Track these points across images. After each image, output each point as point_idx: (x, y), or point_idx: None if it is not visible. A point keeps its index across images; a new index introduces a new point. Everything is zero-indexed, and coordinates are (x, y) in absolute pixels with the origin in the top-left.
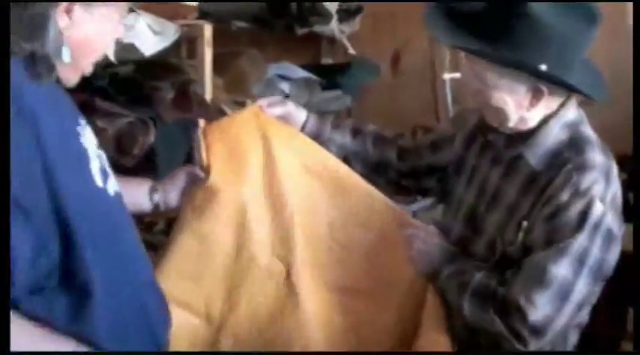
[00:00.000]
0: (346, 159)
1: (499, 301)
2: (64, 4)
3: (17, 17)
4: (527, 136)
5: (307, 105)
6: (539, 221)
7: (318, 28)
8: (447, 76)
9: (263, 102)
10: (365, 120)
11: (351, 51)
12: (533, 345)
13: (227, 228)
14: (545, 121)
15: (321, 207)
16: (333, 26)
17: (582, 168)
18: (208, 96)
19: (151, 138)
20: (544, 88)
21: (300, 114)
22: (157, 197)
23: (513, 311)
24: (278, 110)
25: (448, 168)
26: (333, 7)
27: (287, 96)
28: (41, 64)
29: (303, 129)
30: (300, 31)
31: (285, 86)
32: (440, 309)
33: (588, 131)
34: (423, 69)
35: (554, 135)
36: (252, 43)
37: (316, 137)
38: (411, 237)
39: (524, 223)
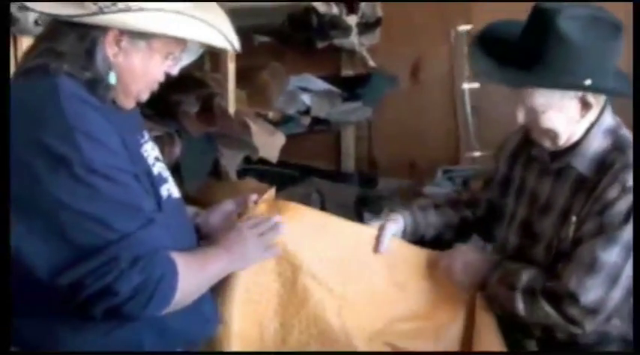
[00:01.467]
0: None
1: (549, 293)
2: (113, 33)
3: (74, 45)
4: (572, 148)
5: (328, 117)
6: (589, 216)
7: (338, 41)
8: (466, 85)
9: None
10: (385, 130)
11: (371, 63)
12: (589, 326)
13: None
14: (587, 131)
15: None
16: (353, 39)
17: (628, 167)
18: (232, 109)
19: (177, 151)
20: (591, 99)
21: (400, 222)
22: (198, 220)
23: (566, 298)
24: (390, 229)
25: (493, 191)
26: (352, 20)
27: (308, 108)
28: (97, 86)
29: (405, 230)
30: (321, 44)
31: (306, 98)
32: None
33: (627, 133)
34: (442, 79)
35: (598, 142)
36: (273, 56)
37: (416, 230)
38: (447, 267)
39: (574, 218)
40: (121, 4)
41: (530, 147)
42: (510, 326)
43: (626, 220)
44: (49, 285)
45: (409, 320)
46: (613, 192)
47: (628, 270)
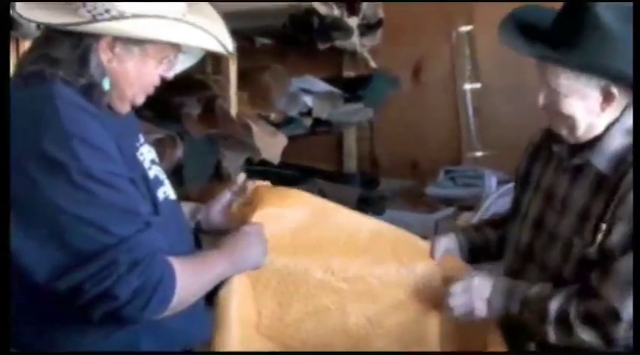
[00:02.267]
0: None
1: (587, 316)
2: (106, 40)
3: (68, 51)
4: (592, 144)
5: (330, 118)
6: (617, 222)
7: (339, 43)
8: (467, 86)
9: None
10: (387, 131)
11: (373, 64)
12: (625, 341)
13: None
14: (608, 129)
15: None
16: (355, 40)
17: None
18: (234, 110)
19: (179, 153)
20: (615, 91)
21: (455, 245)
22: (198, 216)
23: (607, 318)
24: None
25: (516, 189)
26: (354, 21)
27: (310, 109)
28: (92, 92)
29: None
30: (322, 46)
31: (308, 99)
32: None
33: None
34: (444, 80)
35: (619, 140)
36: (275, 57)
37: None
38: (450, 305)
39: (603, 225)
40: (114, 12)
41: (551, 144)
42: (510, 328)
43: None
44: (48, 289)
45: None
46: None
47: None
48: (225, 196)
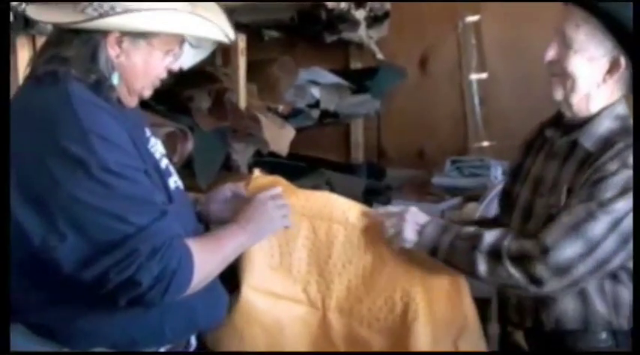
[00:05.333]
0: None
1: (518, 252)
2: (114, 35)
3: (78, 50)
4: (582, 126)
5: (337, 109)
6: (584, 186)
7: (346, 35)
8: (474, 76)
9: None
10: (394, 121)
11: (380, 56)
12: (550, 287)
13: (297, 216)
14: (599, 113)
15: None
16: (362, 32)
17: (631, 147)
18: (243, 103)
19: (190, 146)
20: (622, 61)
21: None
22: (198, 207)
23: (535, 256)
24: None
25: (506, 181)
26: (361, 14)
27: (318, 101)
28: (102, 88)
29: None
30: (330, 39)
31: (315, 91)
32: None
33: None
34: (450, 70)
35: (608, 123)
36: (283, 49)
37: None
38: (397, 226)
39: (565, 186)
40: (118, 8)
41: (544, 133)
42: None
43: (620, 195)
44: (74, 279)
45: None
46: (612, 166)
47: (607, 247)
48: (227, 191)
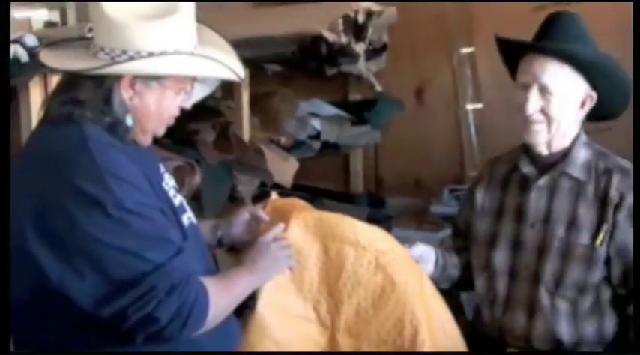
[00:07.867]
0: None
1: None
2: (127, 78)
3: (92, 93)
4: (563, 158)
5: (338, 141)
6: (621, 222)
7: (346, 68)
8: (469, 106)
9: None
10: (391, 150)
11: (378, 87)
12: None
13: (309, 236)
14: (572, 143)
15: None
16: (361, 65)
17: (626, 171)
18: (246, 135)
19: (197, 179)
20: (594, 94)
21: (431, 254)
22: (219, 233)
23: None
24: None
25: (470, 218)
26: (360, 47)
27: (318, 132)
28: (117, 129)
29: (436, 264)
30: (330, 72)
31: (316, 123)
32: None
33: (597, 146)
34: (446, 100)
35: (583, 151)
36: (282, 82)
37: (445, 268)
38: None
39: (605, 226)
40: (131, 52)
41: (515, 169)
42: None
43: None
44: (92, 316)
45: None
46: (630, 197)
47: None
48: (245, 214)
